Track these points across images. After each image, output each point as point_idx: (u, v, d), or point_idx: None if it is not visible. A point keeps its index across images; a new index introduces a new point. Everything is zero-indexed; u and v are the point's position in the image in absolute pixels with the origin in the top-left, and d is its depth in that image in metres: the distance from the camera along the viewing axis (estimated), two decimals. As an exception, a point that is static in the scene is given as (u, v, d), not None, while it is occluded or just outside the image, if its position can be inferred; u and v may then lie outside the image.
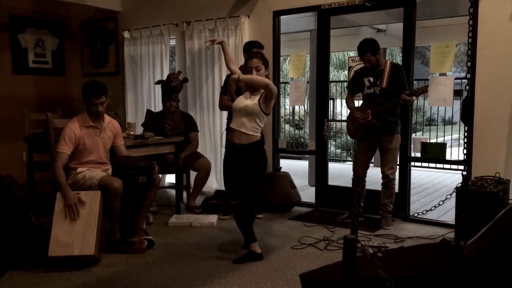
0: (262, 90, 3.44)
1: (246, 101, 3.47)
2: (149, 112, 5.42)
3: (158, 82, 5.28)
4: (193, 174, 5.22)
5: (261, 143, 3.55)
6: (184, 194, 5.33)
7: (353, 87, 4.53)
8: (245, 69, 3.58)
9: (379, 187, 4.45)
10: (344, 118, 4.73)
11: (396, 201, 4.43)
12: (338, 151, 9.89)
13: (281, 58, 5.58)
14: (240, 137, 3.46)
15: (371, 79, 4.30)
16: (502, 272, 1.91)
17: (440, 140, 8.25)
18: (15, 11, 6.29)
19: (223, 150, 5.44)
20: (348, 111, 4.61)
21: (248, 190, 3.51)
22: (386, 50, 8.65)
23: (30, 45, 6.48)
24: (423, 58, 14.60)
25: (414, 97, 4.19)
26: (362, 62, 4.37)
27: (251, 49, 4.42)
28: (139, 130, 5.12)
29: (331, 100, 7.77)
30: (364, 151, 4.44)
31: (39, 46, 6.60)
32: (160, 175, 4.77)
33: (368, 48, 4.22)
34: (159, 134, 4.82)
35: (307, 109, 9.13)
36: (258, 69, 3.49)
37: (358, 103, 4.70)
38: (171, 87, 4.96)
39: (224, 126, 5.46)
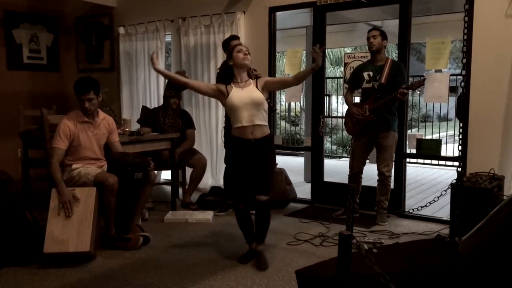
0: (250, 79, 3.35)
1: (248, 93, 3.27)
2: (144, 108, 5.41)
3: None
4: (188, 171, 5.21)
5: (272, 136, 3.51)
6: (180, 190, 5.33)
7: (353, 82, 4.52)
8: (232, 51, 3.32)
9: (375, 184, 4.46)
10: (340, 114, 4.73)
11: (391, 197, 4.45)
12: (334, 147, 9.91)
13: (277, 54, 5.57)
14: (254, 131, 3.26)
15: (371, 73, 4.30)
16: (497, 268, 1.92)
17: (435, 136, 8.28)
18: (10, 6, 6.24)
19: (219, 147, 5.50)
20: (345, 107, 4.62)
21: (268, 182, 3.34)
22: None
23: (24, 41, 6.44)
24: (419, 54, 14.61)
25: (411, 90, 4.21)
26: (366, 40, 4.35)
27: (230, 42, 4.44)
28: (135, 126, 5.11)
29: (327, 97, 7.77)
30: (360, 147, 4.45)
31: (34, 41, 6.56)
32: (156, 172, 4.77)
33: (379, 29, 4.38)
34: (155, 130, 4.82)
35: (303, 106, 9.13)
36: (248, 52, 3.33)
37: (357, 100, 4.71)
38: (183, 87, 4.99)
39: (221, 123, 5.47)
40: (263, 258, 3.35)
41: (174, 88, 5.01)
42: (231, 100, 3.27)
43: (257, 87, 3.32)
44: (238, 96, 3.26)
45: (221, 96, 3.33)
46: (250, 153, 3.28)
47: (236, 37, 4.62)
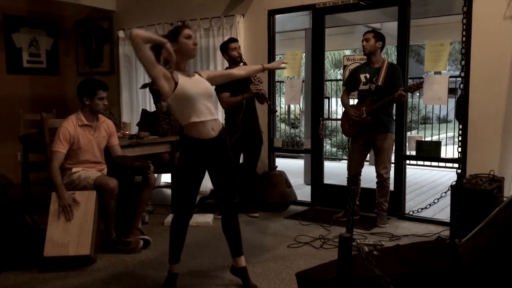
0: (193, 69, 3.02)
1: (199, 83, 2.85)
2: (144, 111, 5.41)
3: (144, 86, 5.28)
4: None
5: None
6: (180, 193, 5.32)
7: (350, 84, 4.53)
8: (179, 35, 2.88)
9: (374, 186, 4.45)
10: (339, 117, 4.74)
11: (391, 199, 4.45)
12: (334, 149, 9.91)
13: (276, 57, 5.57)
14: (214, 126, 2.81)
15: (368, 75, 4.31)
16: (497, 269, 1.92)
17: (435, 138, 8.28)
18: (9, 10, 6.25)
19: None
20: (343, 109, 4.63)
21: (235, 183, 2.98)
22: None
23: (24, 45, 6.45)
24: (418, 56, 14.62)
25: (409, 93, 4.22)
26: (361, 43, 4.37)
27: (228, 45, 4.50)
28: (135, 129, 5.11)
29: (327, 99, 7.78)
30: (358, 150, 4.45)
31: (33, 45, 6.57)
32: (156, 175, 4.76)
33: (373, 30, 4.39)
34: (154, 134, 4.82)
35: (302, 108, 9.14)
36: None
37: (353, 102, 4.71)
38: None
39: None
40: (249, 277, 3.00)
41: (153, 94, 5.03)
42: (184, 88, 2.72)
43: (204, 77, 2.96)
44: (190, 84, 2.77)
45: (166, 83, 2.74)
46: (216, 153, 2.83)
47: (235, 40, 4.63)
